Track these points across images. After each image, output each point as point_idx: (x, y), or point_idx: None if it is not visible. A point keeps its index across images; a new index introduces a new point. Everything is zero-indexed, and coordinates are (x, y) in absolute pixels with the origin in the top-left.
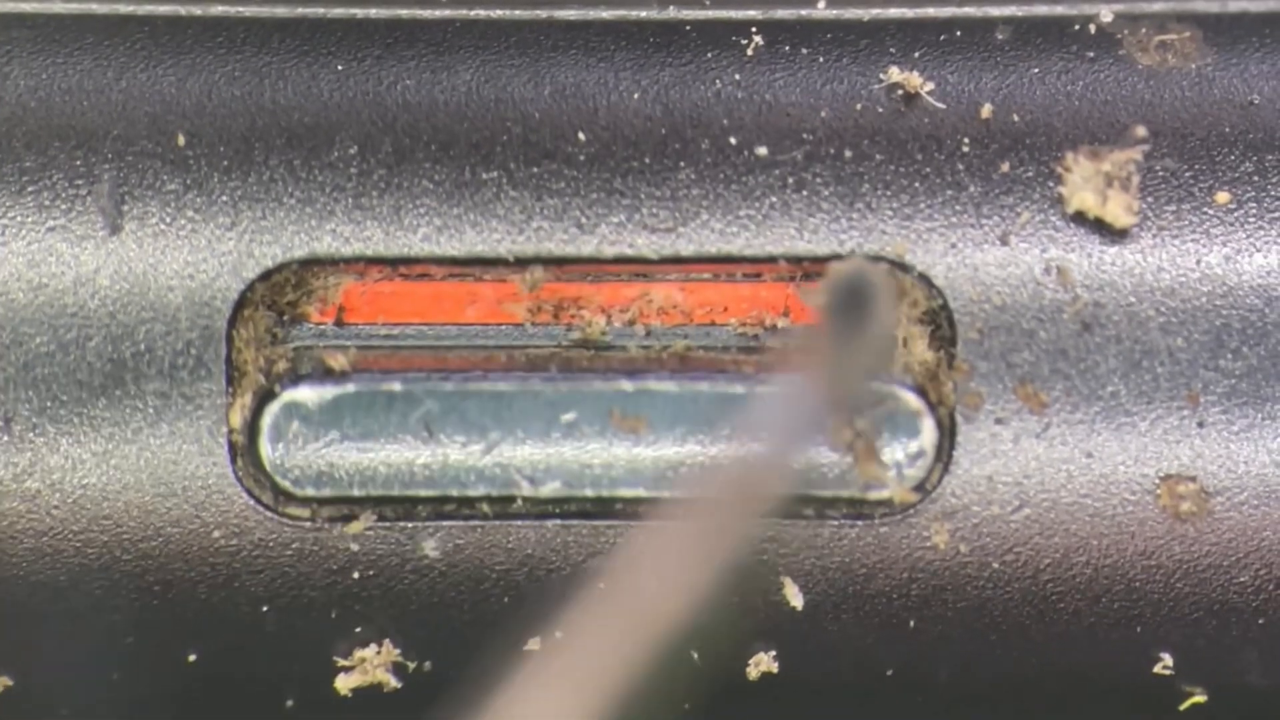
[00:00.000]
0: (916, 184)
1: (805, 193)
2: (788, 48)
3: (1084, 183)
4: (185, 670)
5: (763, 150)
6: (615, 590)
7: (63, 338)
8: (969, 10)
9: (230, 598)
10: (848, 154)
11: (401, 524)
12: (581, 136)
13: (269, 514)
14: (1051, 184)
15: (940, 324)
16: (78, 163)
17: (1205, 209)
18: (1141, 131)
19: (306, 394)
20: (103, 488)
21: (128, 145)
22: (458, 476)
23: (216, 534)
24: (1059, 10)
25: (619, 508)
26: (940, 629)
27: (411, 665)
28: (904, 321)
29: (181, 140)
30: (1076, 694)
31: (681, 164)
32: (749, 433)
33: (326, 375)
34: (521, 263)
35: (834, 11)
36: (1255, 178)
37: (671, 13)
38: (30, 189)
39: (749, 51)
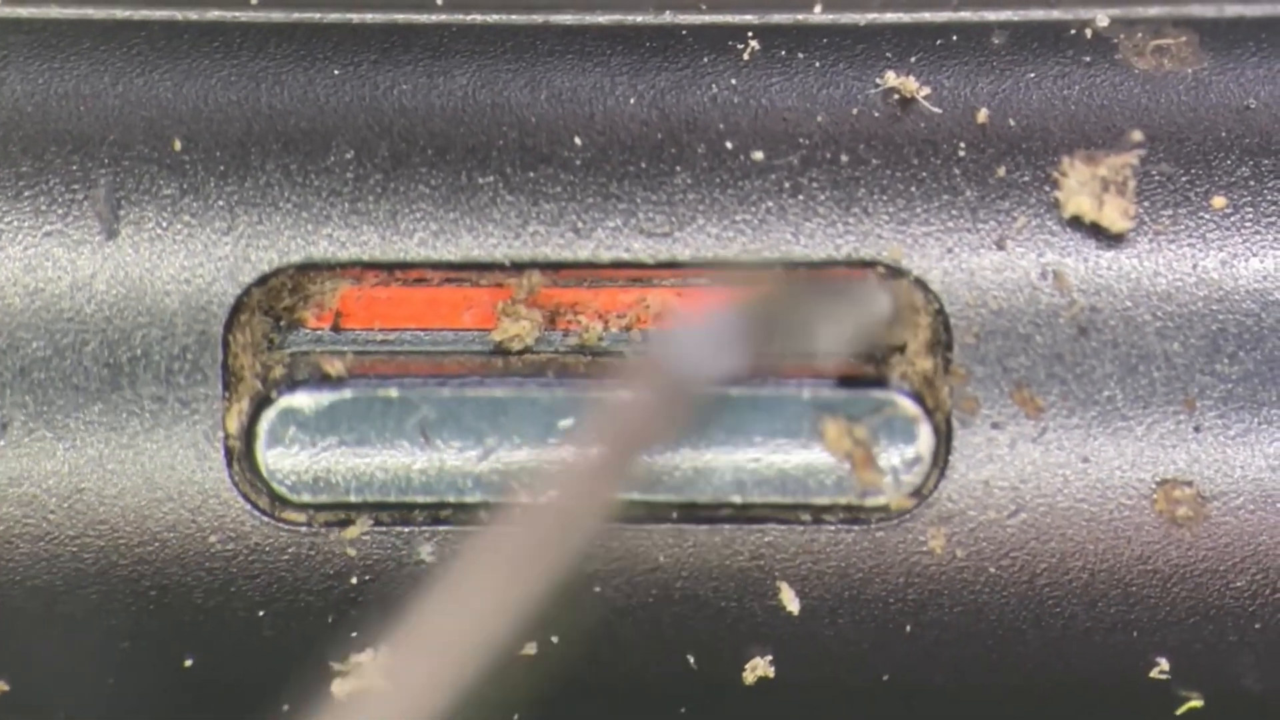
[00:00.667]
0: (913, 188)
1: (801, 197)
2: (784, 52)
3: (1080, 187)
4: (182, 675)
5: (759, 155)
6: (446, 598)
7: (59, 342)
8: (965, 15)
9: (227, 603)
10: (844, 158)
11: (398, 529)
12: (578, 141)
13: (265, 519)
14: (1048, 188)
15: (937, 329)
16: (74, 168)
17: (1201, 214)
18: (1138, 136)
19: (303, 399)
20: (99, 492)
21: (124, 150)
22: (454, 482)
23: (213, 539)
24: (1055, 15)
25: (614, 512)
26: (936, 634)
27: None
28: (909, 330)
29: (178, 145)
30: (1073, 699)
31: (678, 168)
32: (588, 439)
33: (323, 381)
34: (518, 267)
35: (830, 16)
36: (1251, 182)
37: (667, 17)
38: (27, 194)
39: (745, 56)
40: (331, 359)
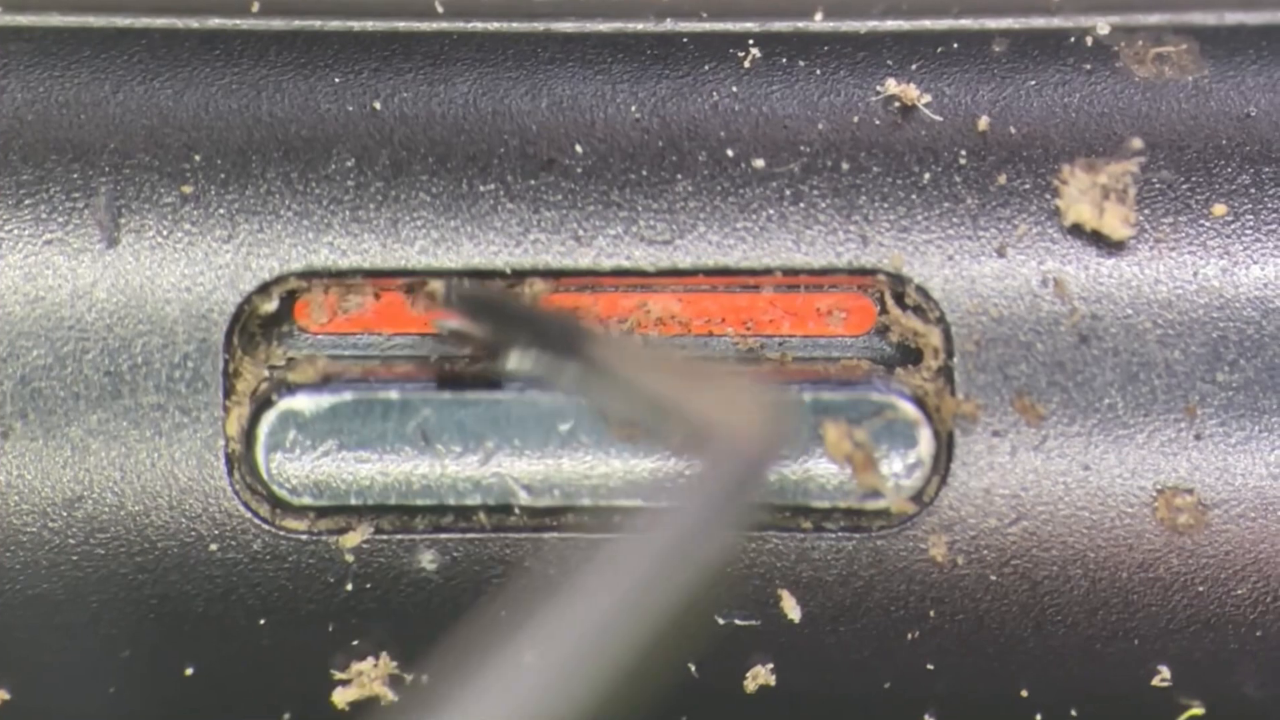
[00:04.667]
0: (913, 196)
1: (802, 205)
2: (784, 60)
3: (1081, 195)
4: (182, 683)
5: (760, 162)
6: (577, 600)
7: (60, 351)
8: (966, 23)
9: (227, 610)
10: (845, 166)
11: (398, 536)
12: (579, 149)
13: (266, 526)
14: (1048, 196)
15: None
16: (75, 176)
17: (1202, 221)
18: (1138, 143)
19: (303, 402)
20: (100, 500)
21: (125, 158)
22: (455, 486)
23: (214, 546)
24: (1056, 23)
25: (616, 518)
26: (938, 641)
27: (409, 678)
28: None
29: (178, 153)
30: (1074, 707)
31: (679, 176)
32: (723, 448)
33: (323, 384)
34: (519, 275)
35: (831, 24)
36: (1252, 190)
37: (668, 25)
38: (27, 202)
39: (746, 64)
40: (332, 362)
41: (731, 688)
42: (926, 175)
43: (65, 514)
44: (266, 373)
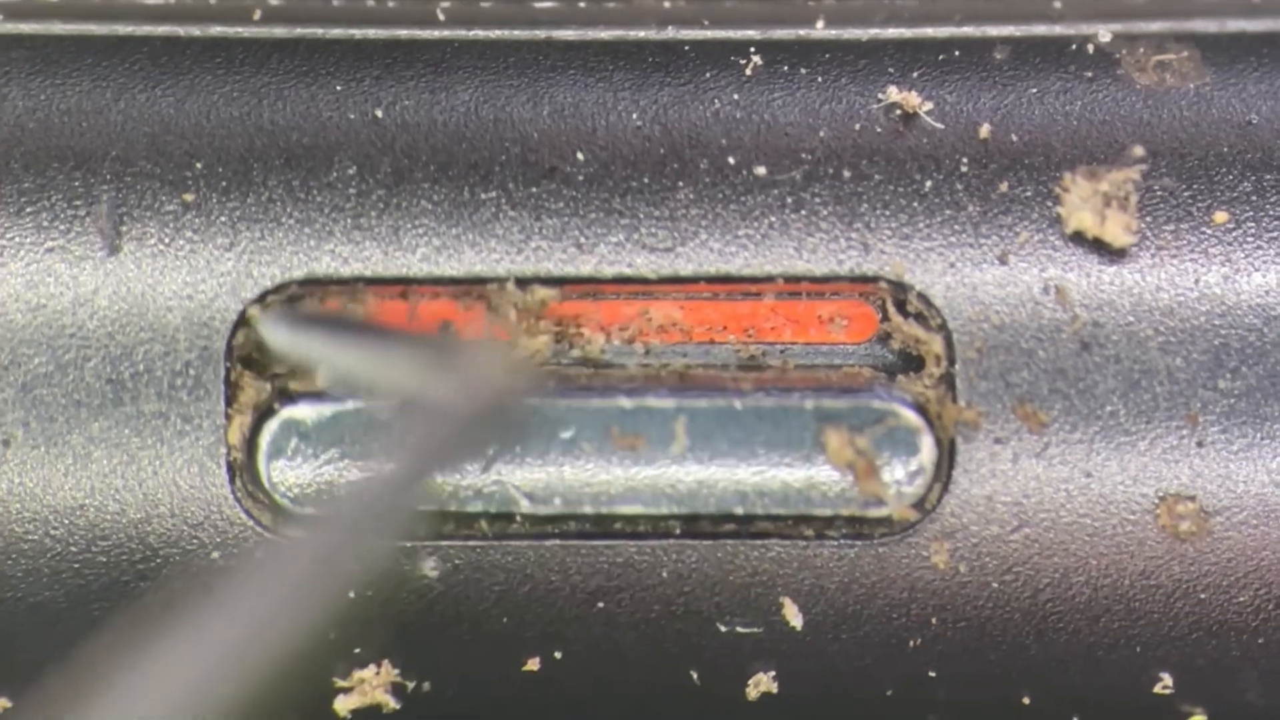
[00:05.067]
0: (915, 204)
1: (804, 212)
2: (786, 67)
3: (1082, 202)
4: None
5: (761, 170)
6: (229, 600)
7: (61, 359)
8: (967, 30)
9: None
10: (846, 174)
11: (400, 544)
12: (580, 156)
13: (268, 534)
14: (1050, 204)
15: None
16: (76, 183)
17: (1203, 228)
18: (1140, 151)
19: (305, 411)
20: (101, 509)
21: (126, 166)
22: (456, 494)
23: (215, 554)
24: (1057, 30)
25: (618, 526)
26: (940, 649)
27: (410, 686)
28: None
29: (180, 161)
30: (1076, 714)
31: (680, 184)
32: (381, 455)
33: (325, 392)
34: (520, 283)
35: (832, 31)
36: (1254, 197)
37: (670, 33)
38: (29, 210)
39: (747, 71)
40: None
41: (733, 695)
42: (928, 183)
43: (67, 522)
44: (268, 381)
